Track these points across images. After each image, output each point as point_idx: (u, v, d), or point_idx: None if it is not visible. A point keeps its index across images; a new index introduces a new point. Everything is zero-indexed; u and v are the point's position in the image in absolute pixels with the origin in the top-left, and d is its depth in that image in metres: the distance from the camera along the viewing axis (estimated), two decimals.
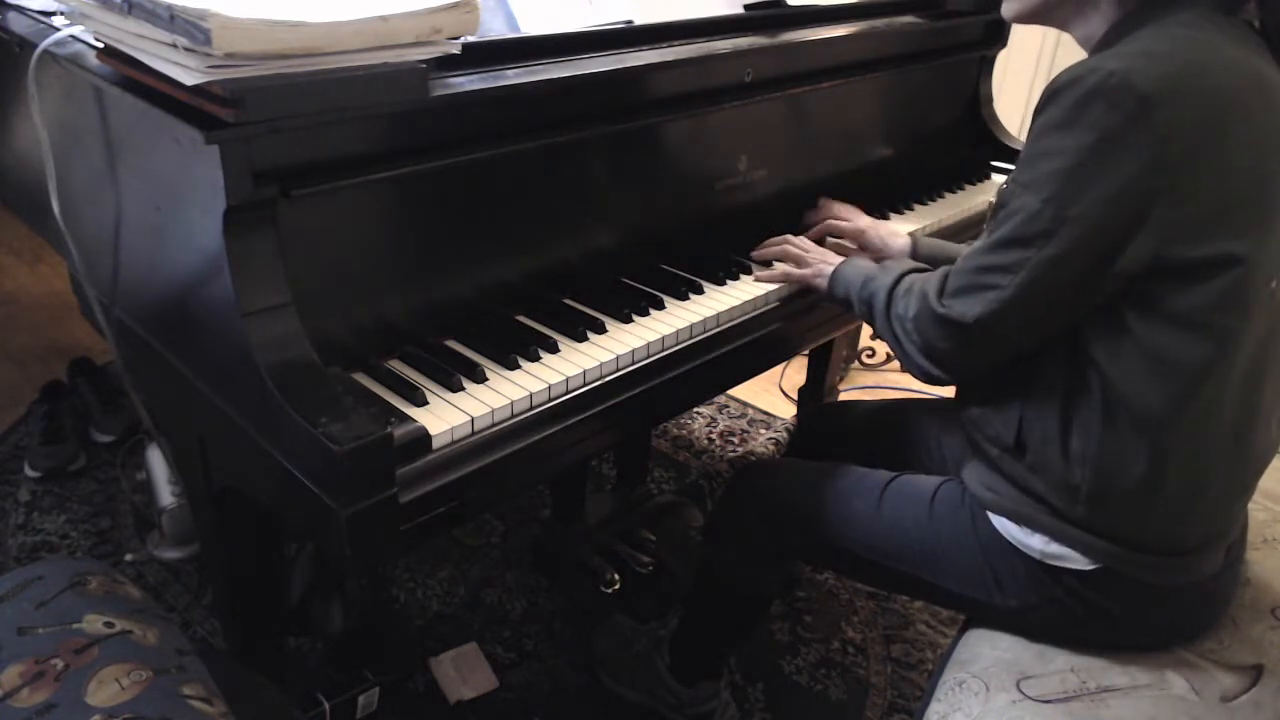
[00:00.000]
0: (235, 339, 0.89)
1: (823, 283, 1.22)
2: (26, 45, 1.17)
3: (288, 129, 0.87)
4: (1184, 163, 0.86)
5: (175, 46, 0.81)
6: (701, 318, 1.18)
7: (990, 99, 1.84)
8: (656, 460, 2.13)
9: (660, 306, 1.20)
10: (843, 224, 1.40)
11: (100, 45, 0.96)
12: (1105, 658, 1.03)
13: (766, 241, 1.34)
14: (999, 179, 1.78)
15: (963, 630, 1.14)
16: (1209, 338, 0.91)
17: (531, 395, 1.00)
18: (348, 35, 0.85)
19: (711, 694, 1.46)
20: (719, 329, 1.20)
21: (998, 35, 1.77)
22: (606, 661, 1.56)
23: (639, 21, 1.25)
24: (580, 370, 1.05)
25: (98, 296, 1.19)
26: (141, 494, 1.91)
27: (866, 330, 2.48)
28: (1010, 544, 1.05)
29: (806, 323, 1.32)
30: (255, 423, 0.92)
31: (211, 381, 0.99)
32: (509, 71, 1.05)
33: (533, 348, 1.07)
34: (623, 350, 1.10)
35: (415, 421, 0.92)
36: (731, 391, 2.40)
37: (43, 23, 1.21)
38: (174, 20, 0.79)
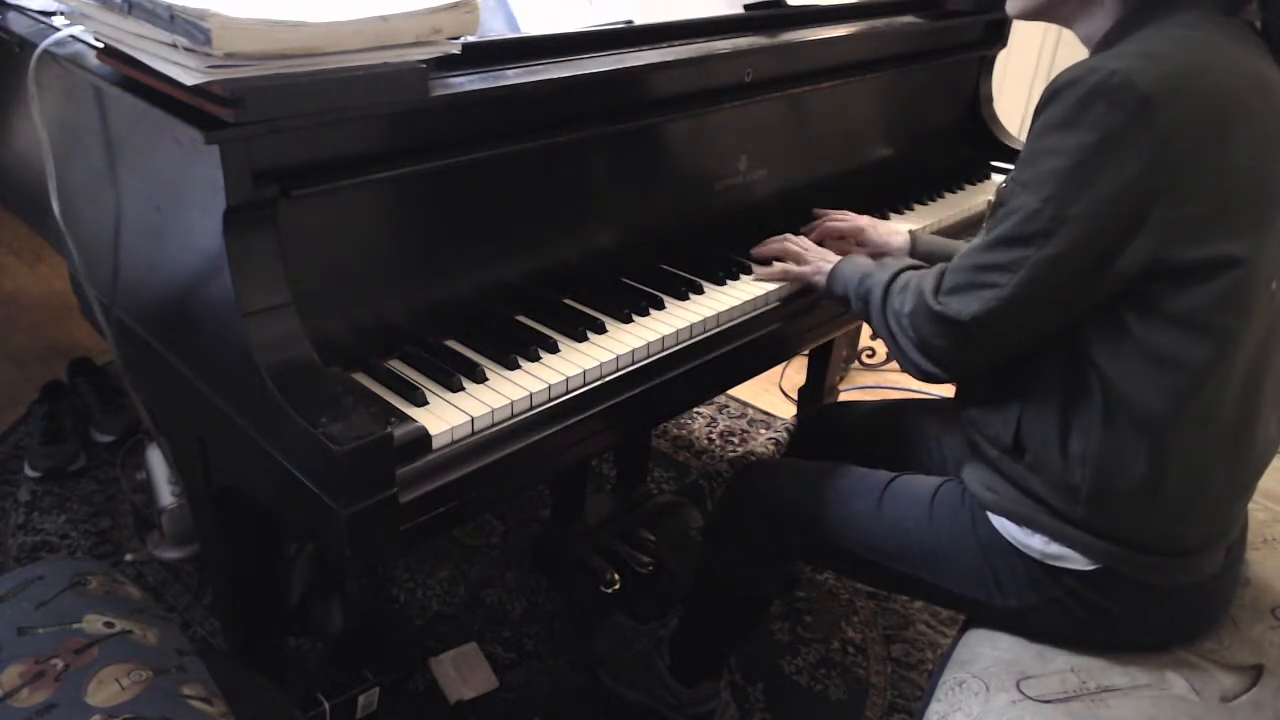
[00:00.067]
0: (235, 339, 0.89)
1: (821, 280, 1.22)
2: (26, 45, 1.17)
3: (288, 129, 0.87)
4: (1184, 163, 0.86)
5: (175, 46, 0.81)
6: (701, 318, 1.18)
7: (990, 99, 1.84)
8: (656, 460, 2.13)
9: (660, 306, 1.20)
10: (841, 224, 1.40)
11: (100, 45, 0.96)
12: (1105, 658, 1.03)
13: (766, 240, 1.34)
14: (999, 179, 1.78)
15: (963, 630, 1.14)
16: (1209, 338, 0.91)
17: (531, 395, 1.00)
18: (348, 35, 0.85)
19: (711, 694, 1.46)
20: (719, 329, 1.20)
21: (998, 35, 1.77)
22: (606, 661, 1.56)
23: (639, 21, 1.25)
24: (580, 370, 1.05)
25: (98, 296, 1.19)
26: (141, 494, 1.91)
27: (866, 330, 2.48)
28: (1010, 544, 1.05)
29: (806, 323, 1.32)
30: (255, 423, 0.92)
31: (211, 381, 0.99)
32: (509, 71, 1.05)
33: (533, 348, 1.07)
34: (623, 350, 1.10)
35: (415, 421, 0.92)
36: (731, 391, 2.40)
37: (43, 23, 1.21)
38: (174, 20, 0.79)
